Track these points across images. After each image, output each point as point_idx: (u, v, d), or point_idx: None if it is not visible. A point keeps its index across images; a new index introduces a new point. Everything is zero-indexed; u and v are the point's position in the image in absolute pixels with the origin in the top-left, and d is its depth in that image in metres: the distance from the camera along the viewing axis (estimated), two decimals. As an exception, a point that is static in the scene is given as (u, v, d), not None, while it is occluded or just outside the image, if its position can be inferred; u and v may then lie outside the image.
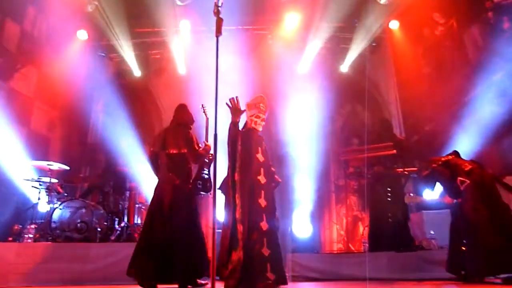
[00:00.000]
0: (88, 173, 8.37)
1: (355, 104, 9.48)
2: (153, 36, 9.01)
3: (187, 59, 8.97)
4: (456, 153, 5.12)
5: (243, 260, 3.68)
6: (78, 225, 5.94)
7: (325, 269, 5.55)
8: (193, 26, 8.53)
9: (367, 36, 8.54)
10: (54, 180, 6.29)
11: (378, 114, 9.13)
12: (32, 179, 6.20)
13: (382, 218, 6.25)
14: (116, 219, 6.64)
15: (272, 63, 8.59)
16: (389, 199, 6.24)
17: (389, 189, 6.26)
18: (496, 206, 4.48)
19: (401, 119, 8.79)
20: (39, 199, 6.21)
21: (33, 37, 7.70)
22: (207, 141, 4.73)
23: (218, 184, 4.71)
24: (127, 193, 7.02)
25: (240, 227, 3.79)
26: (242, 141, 4.09)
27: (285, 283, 4.03)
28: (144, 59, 9.28)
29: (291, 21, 8.47)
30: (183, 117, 4.76)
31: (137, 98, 9.21)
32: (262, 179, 4.06)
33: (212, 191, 4.62)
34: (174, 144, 4.52)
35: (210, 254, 4.24)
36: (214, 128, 2.67)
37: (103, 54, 9.08)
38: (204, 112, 4.95)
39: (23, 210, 6.48)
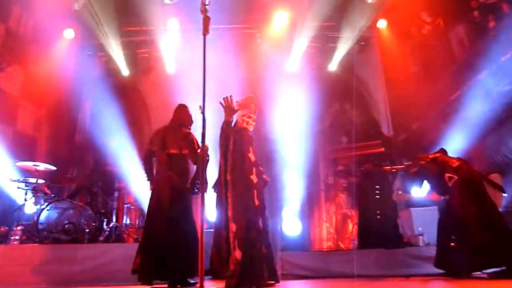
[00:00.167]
0: (76, 174, 8.28)
1: (343, 103, 9.53)
2: (141, 35, 8.95)
3: (176, 58, 8.93)
4: (443, 151, 5.18)
5: (243, 259, 3.70)
6: (66, 226, 5.86)
7: (314, 266, 5.57)
8: (181, 24, 8.49)
9: (355, 35, 8.59)
10: (41, 181, 6.21)
11: (367, 112, 9.20)
12: (18, 180, 6.12)
13: (371, 216, 6.30)
14: (105, 219, 6.58)
15: (260, 62, 8.59)
16: (377, 196, 6.29)
17: (377, 186, 6.31)
18: (483, 202, 4.54)
19: (389, 117, 8.87)
20: (25, 200, 6.10)
21: (18, 36, 7.57)
22: (205, 142, 4.73)
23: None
24: (116, 193, 6.95)
25: (232, 226, 3.80)
26: (234, 141, 4.09)
27: (277, 281, 4.07)
28: (132, 58, 9.20)
29: (279, 20, 8.48)
30: (183, 118, 4.77)
31: (125, 97, 9.12)
32: (254, 178, 4.09)
33: (206, 191, 4.68)
34: (175, 144, 4.54)
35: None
36: (202, 126, 2.64)
37: (90, 53, 8.98)
38: (201, 113, 4.93)
39: (9, 212, 6.38)
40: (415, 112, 8.11)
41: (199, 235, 4.54)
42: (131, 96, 9.43)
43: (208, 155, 4.73)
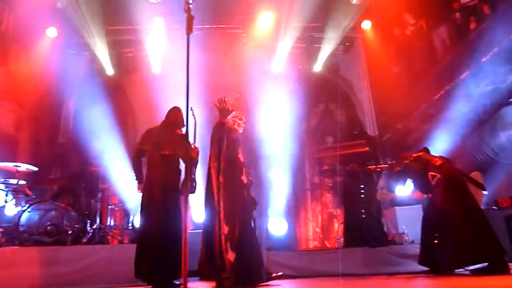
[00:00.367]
0: (58, 174, 8.15)
1: (328, 103, 9.60)
2: (126, 34, 8.86)
3: (161, 58, 8.86)
4: (426, 150, 5.24)
5: (237, 260, 3.73)
6: (48, 228, 5.73)
7: (300, 266, 5.58)
8: (167, 24, 8.43)
9: (339, 36, 8.65)
10: (22, 182, 6.08)
11: (352, 112, 9.28)
12: (-2, 181, 5.99)
13: (356, 215, 6.35)
14: (88, 221, 6.48)
15: (246, 62, 8.58)
16: (362, 195, 6.34)
17: (362, 186, 6.36)
18: (465, 200, 4.59)
19: (374, 117, 8.96)
20: (6, 202, 5.96)
21: (-1, 34, 7.44)
22: (195, 144, 4.77)
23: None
24: (100, 194, 6.86)
25: (225, 228, 3.80)
26: (227, 142, 4.10)
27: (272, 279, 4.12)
28: (116, 58, 9.11)
29: (265, 20, 8.50)
30: (176, 119, 4.76)
31: (109, 97, 9.00)
32: (244, 179, 4.12)
33: (195, 191, 4.70)
34: (168, 145, 4.55)
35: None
36: (186, 126, 2.62)
37: (73, 52, 8.85)
38: (192, 115, 4.96)
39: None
40: (399, 112, 8.21)
41: (186, 236, 4.58)
42: (115, 96, 9.31)
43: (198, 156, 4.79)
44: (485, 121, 6.11)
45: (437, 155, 5.21)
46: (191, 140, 4.80)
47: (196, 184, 4.75)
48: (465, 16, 6.45)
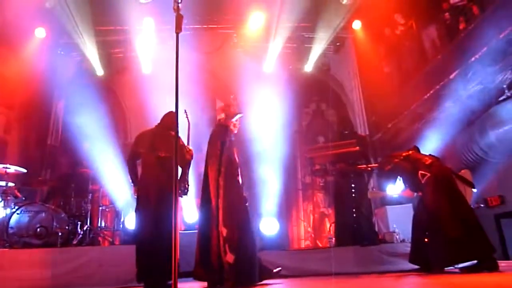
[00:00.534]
0: (48, 176, 8.07)
1: (319, 103, 9.64)
2: (115, 34, 8.82)
3: (151, 58, 8.82)
4: (416, 148, 5.27)
5: (236, 262, 3.74)
6: (38, 230, 5.71)
7: (292, 265, 5.58)
8: (156, 24, 8.39)
9: (330, 36, 8.69)
10: (11, 184, 6.01)
11: (343, 112, 9.31)
12: (-13, 183, 5.92)
13: (347, 214, 6.37)
14: (79, 222, 6.44)
15: (237, 62, 8.59)
16: (353, 195, 6.36)
17: (353, 185, 6.39)
18: (455, 198, 4.62)
19: (365, 117, 9.00)
20: (-5, 204, 5.91)
21: (-14, 35, 7.34)
22: (189, 146, 4.82)
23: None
24: (90, 196, 6.81)
25: (223, 230, 3.80)
26: (229, 145, 4.12)
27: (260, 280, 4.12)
28: (106, 58, 9.05)
29: (255, 20, 8.50)
30: (172, 123, 4.77)
31: (99, 97, 8.94)
32: (240, 179, 4.13)
33: (187, 193, 4.72)
34: (164, 147, 4.57)
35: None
36: (176, 127, 2.58)
37: (62, 53, 8.77)
38: (186, 117, 5.00)
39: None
40: (390, 112, 8.26)
41: (177, 237, 4.60)
42: (105, 97, 9.23)
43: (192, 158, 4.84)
44: (474, 120, 6.16)
45: (427, 154, 5.25)
46: (185, 142, 4.84)
47: (188, 186, 4.78)
48: (454, 16, 6.50)
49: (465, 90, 6.22)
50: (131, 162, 4.79)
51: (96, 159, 7.18)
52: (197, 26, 8.66)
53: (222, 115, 4.57)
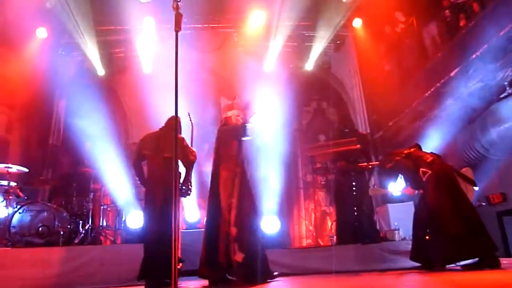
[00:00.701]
0: (50, 175, 8.10)
1: (320, 101, 9.64)
2: (116, 34, 8.84)
3: (152, 57, 8.83)
4: (417, 146, 5.26)
5: (246, 260, 3.79)
6: (39, 229, 5.72)
7: (293, 264, 5.59)
8: (157, 23, 8.40)
9: (330, 34, 8.68)
10: (13, 183, 6.03)
11: (343, 110, 9.31)
12: (-11, 183, 5.93)
13: (348, 212, 6.37)
14: (80, 221, 6.46)
15: (237, 61, 8.60)
16: (354, 193, 6.36)
17: (354, 183, 6.38)
18: (457, 195, 4.62)
19: (366, 115, 8.99)
20: (-4, 203, 5.93)
21: (-12, 35, 7.36)
22: (193, 147, 4.91)
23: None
24: (91, 195, 6.83)
25: (234, 230, 3.82)
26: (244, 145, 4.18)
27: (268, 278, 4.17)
28: (107, 58, 9.07)
29: (256, 19, 8.50)
30: (176, 125, 4.84)
31: (100, 97, 8.96)
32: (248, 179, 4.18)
33: (190, 194, 4.78)
34: (169, 148, 4.62)
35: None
36: (175, 127, 2.57)
37: (63, 53, 8.80)
38: (190, 120, 5.07)
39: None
40: (391, 110, 8.25)
41: (178, 236, 4.65)
42: (106, 96, 9.25)
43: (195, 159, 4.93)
44: (475, 118, 6.15)
45: (428, 151, 5.24)
46: (188, 143, 4.91)
47: (191, 186, 4.85)
48: (455, 14, 6.48)
49: (466, 88, 6.20)
50: (136, 163, 4.90)
51: (97, 158, 7.19)
52: (197, 26, 8.66)
53: (228, 114, 4.59)
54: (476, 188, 5.00)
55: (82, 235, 6.28)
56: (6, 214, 5.78)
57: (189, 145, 4.89)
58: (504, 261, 4.49)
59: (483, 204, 6.07)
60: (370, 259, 5.52)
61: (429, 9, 7.11)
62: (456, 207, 4.51)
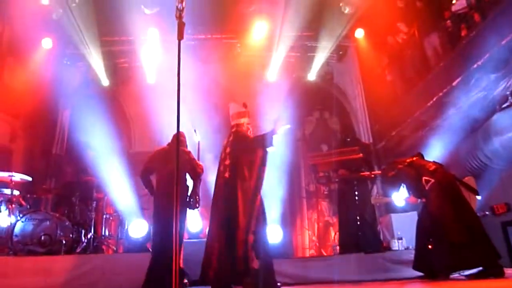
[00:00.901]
0: (53, 184, 8.12)
1: (323, 111, 9.67)
2: (120, 45, 8.94)
3: (156, 68, 8.91)
4: (419, 155, 5.26)
5: (261, 268, 3.81)
6: (42, 238, 5.72)
7: (295, 273, 5.54)
8: (161, 34, 8.49)
9: (333, 45, 8.73)
10: (15, 192, 6.05)
11: (346, 120, 9.33)
12: (-8, 191, 5.96)
13: (351, 221, 6.34)
14: (83, 230, 6.45)
15: (241, 71, 8.65)
16: (357, 202, 6.34)
17: (356, 192, 6.37)
18: (460, 204, 4.60)
19: (368, 125, 9.00)
20: None
21: (-6, 45, 7.47)
22: (199, 161, 5.06)
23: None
24: (94, 204, 6.82)
25: (251, 237, 3.85)
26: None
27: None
28: (111, 68, 9.16)
29: (259, 30, 8.58)
30: (183, 140, 5.07)
31: (104, 107, 9.04)
32: None
33: (198, 206, 4.83)
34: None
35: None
36: (177, 138, 2.56)
37: (68, 63, 8.89)
38: (196, 135, 5.20)
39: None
40: (393, 120, 8.26)
41: (177, 246, 4.65)
42: (110, 107, 9.33)
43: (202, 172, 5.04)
44: (478, 128, 6.14)
45: (431, 160, 5.24)
46: (197, 158, 5.01)
47: (199, 198, 4.93)
48: (456, 24, 6.52)
49: (468, 97, 6.20)
50: (144, 176, 5.01)
51: (100, 167, 7.23)
52: (201, 36, 8.76)
53: (241, 121, 4.55)
54: (479, 197, 4.98)
55: (84, 244, 6.27)
56: (9, 223, 5.78)
57: (196, 159, 5.00)
58: (508, 271, 4.45)
59: (487, 213, 6.02)
60: (373, 268, 5.47)
61: (430, 19, 7.16)
62: (459, 216, 4.49)
